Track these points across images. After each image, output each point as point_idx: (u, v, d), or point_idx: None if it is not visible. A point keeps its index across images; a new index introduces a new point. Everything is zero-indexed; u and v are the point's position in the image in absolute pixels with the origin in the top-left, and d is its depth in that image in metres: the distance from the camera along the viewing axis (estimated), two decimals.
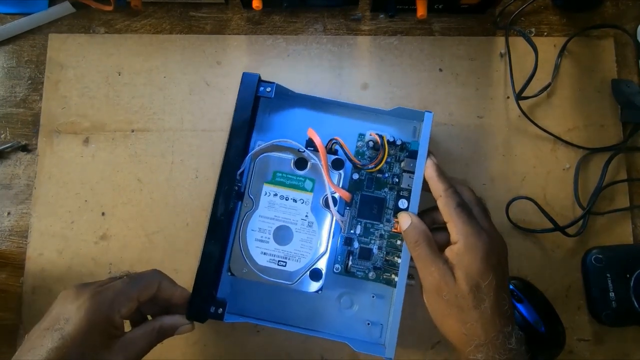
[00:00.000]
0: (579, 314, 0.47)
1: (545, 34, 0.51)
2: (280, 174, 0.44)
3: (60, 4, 0.50)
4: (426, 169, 0.41)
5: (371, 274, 0.44)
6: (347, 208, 0.44)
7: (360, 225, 0.44)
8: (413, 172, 0.42)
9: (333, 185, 0.43)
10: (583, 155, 0.48)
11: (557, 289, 0.47)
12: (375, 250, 0.44)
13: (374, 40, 0.50)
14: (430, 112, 0.42)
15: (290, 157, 0.44)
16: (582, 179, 0.48)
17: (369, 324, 0.44)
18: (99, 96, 0.50)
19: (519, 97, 0.47)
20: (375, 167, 0.43)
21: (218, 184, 0.41)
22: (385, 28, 0.51)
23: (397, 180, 0.44)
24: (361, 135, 0.46)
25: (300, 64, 0.50)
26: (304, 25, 0.51)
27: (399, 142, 0.44)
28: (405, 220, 0.40)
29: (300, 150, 0.44)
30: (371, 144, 0.45)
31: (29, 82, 0.50)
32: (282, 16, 0.51)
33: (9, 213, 0.48)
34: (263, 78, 0.44)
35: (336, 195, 0.43)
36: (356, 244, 0.44)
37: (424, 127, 0.42)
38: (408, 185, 0.43)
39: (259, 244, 0.43)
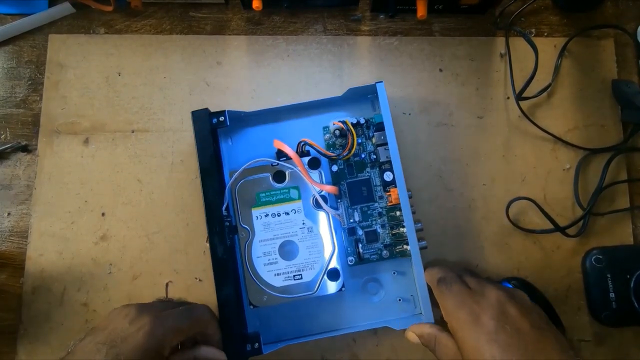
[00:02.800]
0: (579, 315, 0.47)
1: (546, 34, 0.51)
2: (263, 194, 0.44)
3: (60, 4, 0.50)
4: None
5: (384, 253, 0.44)
6: (339, 200, 0.44)
7: (357, 211, 0.45)
8: (386, 143, 0.42)
9: (317, 184, 0.43)
10: (583, 155, 0.48)
11: (557, 290, 0.47)
12: (379, 230, 0.44)
13: (374, 41, 0.50)
14: (380, 81, 0.43)
15: (266, 174, 0.44)
16: (582, 180, 0.48)
17: (399, 300, 0.45)
18: (99, 96, 0.50)
19: (519, 97, 0.47)
20: (349, 152, 0.44)
21: (208, 227, 0.41)
22: (385, 28, 0.51)
23: (374, 156, 0.45)
24: (326, 128, 0.46)
25: (300, 64, 0.50)
26: (304, 25, 0.51)
27: (362, 121, 0.45)
28: (412, 338, 0.40)
29: (274, 164, 0.43)
30: (338, 132, 0.45)
31: (29, 82, 0.50)
32: (282, 16, 0.51)
33: (9, 213, 0.48)
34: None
35: (324, 193, 0.43)
36: (360, 231, 0.44)
37: (380, 97, 0.42)
38: (387, 157, 0.44)
39: (269, 267, 0.43)
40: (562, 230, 0.46)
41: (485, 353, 0.32)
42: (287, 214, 0.43)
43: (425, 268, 0.41)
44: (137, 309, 0.37)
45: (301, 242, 0.43)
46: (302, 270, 0.43)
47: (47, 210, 0.48)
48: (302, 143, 0.44)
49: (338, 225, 0.44)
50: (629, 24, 0.51)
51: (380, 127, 0.43)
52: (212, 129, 0.42)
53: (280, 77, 0.50)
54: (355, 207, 0.45)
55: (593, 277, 0.45)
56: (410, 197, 0.42)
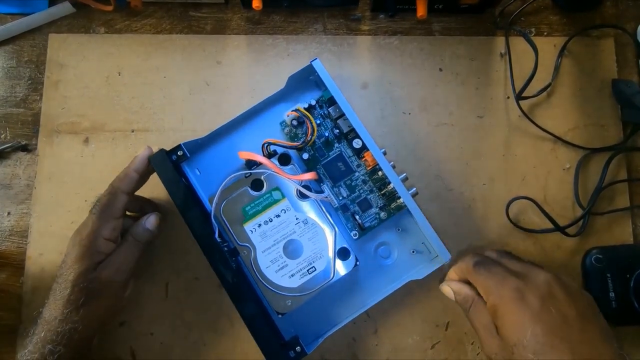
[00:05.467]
0: None
1: (545, 34, 0.51)
2: (249, 207, 0.43)
3: (60, 4, 0.50)
4: (448, 274, 0.42)
5: (382, 215, 0.45)
6: (322, 184, 0.45)
7: (342, 187, 0.45)
8: (343, 114, 0.43)
9: (295, 177, 0.43)
10: (583, 155, 0.48)
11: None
12: (369, 196, 0.45)
13: (374, 40, 0.50)
14: (315, 59, 0.43)
15: (244, 187, 0.44)
16: (582, 179, 0.48)
17: (413, 252, 0.45)
18: (99, 96, 0.50)
19: (519, 97, 0.47)
20: (312, 136, 0.44)
21: (208, 259, 0.40)
22: (385, 28, 0.51)
23: (337, 130, 0.45)
24: (282, 123, 0.46)
25: (300, 64, 0.50)
26: (304, 25, 0.51)
27: (313, 103, 0.45)
28: (448, 293, 0.41)
29: (247, 175, 0.43)
30: (295, 122, 0.45)
31: (29, 82, 0.50)
32: (282, 16, 0.51)
33: (9, 213, 0.48)
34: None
35: (305, 182, 0.43)
36: (352, 204, 0.45)
37: (320, 74, 0.43)
38: (349, 127, 0.44)
39: (281, 272, 0.43)
40: (562, 229, 0.46)
41: (528, 331, 0.31)
42: (278, 216, 0.43)
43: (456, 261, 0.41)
44: (74, 232, 0.42)
45: (302, 237, 0.43)
46: (313, 262, 0.43)
47: (47, 210, 0.48)
48: (266, 144, 0.44)
49: (330, 207, 0.45)
50: (629, 24, 0.51)
51: (332, 101, 0.44)
52: (174, 167, 0.42)
53: (280, 76, 0.50)
54: (339, 183, 0.45)
55: (593, 276, 0.45)
56: (385, 154, 0.42)
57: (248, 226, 0.43)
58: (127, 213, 0.45)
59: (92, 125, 0.49)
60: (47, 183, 0.48)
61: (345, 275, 0.43)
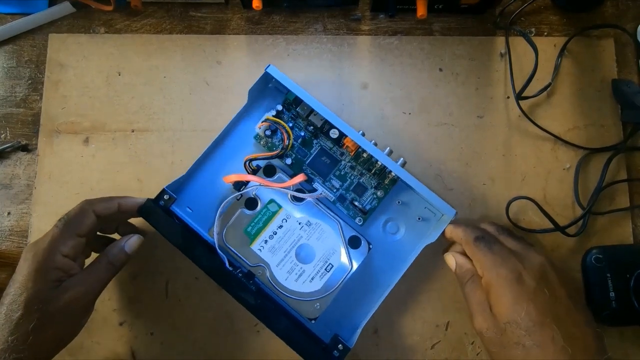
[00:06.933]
0: None
1: (546, 34, 0.51)
2: (249, 227, 0.43)
3: (60, 4, 0.50)
4: (444, 231, 0.42)
5: (379, 193, 0.45)
6: (313, 183, 0.45)
7: (333, 180, 0.46)
8: (312, 109, 0.44)
9: (285, 184, 0.43)
10: (583, 155, 0.48)
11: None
12: (361, 180, 0.46)
13: (374, 40, 0.50)
14: (268, 65, 0.43)
15: (238, 210, 0.44)
16: (582, 179, 0.48)
17: (419, 219, 0.46)
18: (99, 96, 0.50)
19: (519, 97, 0.47)
20: (289, 140, 0.44)
21: (227, 291, 0.40)
22: (385, 28, 0.51)
23: (311, 127, 0.45)
24: (256, 136, 0.46)
25: (300, 64, 0.50)
26: (304, 25, 0.51)
27: (280, 107, 0.45)
28: (451, 262, 0.42)
29: (238, 197, 0.44)
30: (268, 132, 0.45)
31: (29, 82, 0.50)
32: (282, 16, 0.51)
33: (9, 213, 0.48)
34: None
35: (296, 186, 0.44)
36: (347, 193, 0.45)
37: (278, 78, 0.43)
38: (321, 120, 0.45)
39: (300, 279, 0.43)
40: (562, 229, 0.46)
41: (522, 309, 0.33)
42: (280, 227, 0.44)
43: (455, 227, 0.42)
44: (27, 245, 0.39)
45: (310, 239, 0.43)
46: (329, 259, 0.43)
47: (47, 210, 0.48)
48: (247, 162, 0.44)
49: (328, 202, 0.45)
50: (629, 24, 0.51)
51: (297, 101, 0.44)
52: (165, 212, 0.42)
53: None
54: (329, 177, 0.46)
55: (593, 276, 0.45)
56: (364, 135, 0.43)
57: (255, 246, 0.43)
58: (99, 234, 0.44)
59: (92, 125, 0.49)
60: (47, 183, 0.48)
61: (362, 261, 0.43)
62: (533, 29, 0.51)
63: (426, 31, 0.51)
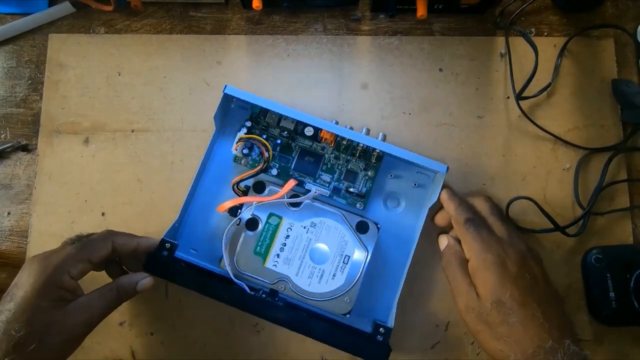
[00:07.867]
0: (579, 314, 0.47)
1: (546, 34, 0.51)
2: (258, 247, 0.44)
3: (60, 4, 0.50)
4: (440, 194, 0.44)
5: (370, 173, 0.46)
6: (305, 185, 0.46)
7: (322, 175, 0.46)
8: (282, 115, 0.44)
9: (278, 195, 0.43)
10: (583, 155, 0.48)
11: (557, 289, 0.47)
12: (349, 166, 0.46)
13: (374, 40, 0.50)
14: (225, 86, 0.43)
15: (242, 234, 0.44)
16: (582, 179, 0.48)
17: (415, 184, 0.47)
18: (99, 96, 0.50)
19: (519, 97, 0.47)
20: (268, 152, 0.45)
21: (257, 315, 0.41)
22: (385, 28, 0.51)
23: (285, 132, 0.46)
24: (235, 158, 0.47)
25: (300, 64, 0.50)
26: (304, 25, 0.51)
27: (248, 124, 0.45)
28: (442, 243, 0.44)
29: (238, 223, 0.44)
30: (246, 150, 0.46)
31: (29, 82, 0.50)
32: (282, 16, 0.51)
33: (9, 213, 0.48)
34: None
35: (290, 192, 0.44)
36: (340, 184, 0.46)
37: (238, 96, 0.43)
38: (292, 122, 0.45)
39: (323, 280, 0.43)
40: (562, 229, 0.46)
41: (507, 292, 0.37)
42: (287, 237, 0.44)
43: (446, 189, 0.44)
44: (31, 257, 0.37)
45: (320, 239, 0.44)
46: (343, 252, 0.43)
47: (47, 210, 0.48)
48: (234, 185, 0.44)
49: (325, 198, 0.46)
50: (629, 24, 0.51)
51: (264, 111, 0.45)
52: (171, 261, 0.42)
53: (280, 76, 0.50)
54: (318, 174, 0.46)
55: (593, 276, 0.45)
56: (337, 123, 0.43)
57: (269, 263, 0.43)
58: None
59: (92, 125, 0.49)
60: (47, 183, 0.48)
61: (375, 243, 0.44)
62: (533, 29, 0.51)
63: (426, 31, 0.51)
